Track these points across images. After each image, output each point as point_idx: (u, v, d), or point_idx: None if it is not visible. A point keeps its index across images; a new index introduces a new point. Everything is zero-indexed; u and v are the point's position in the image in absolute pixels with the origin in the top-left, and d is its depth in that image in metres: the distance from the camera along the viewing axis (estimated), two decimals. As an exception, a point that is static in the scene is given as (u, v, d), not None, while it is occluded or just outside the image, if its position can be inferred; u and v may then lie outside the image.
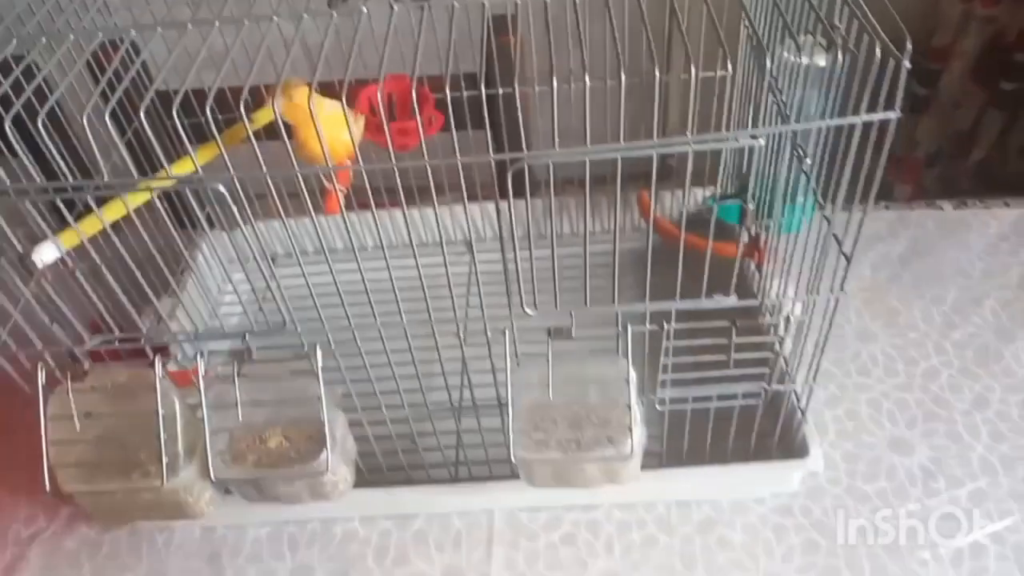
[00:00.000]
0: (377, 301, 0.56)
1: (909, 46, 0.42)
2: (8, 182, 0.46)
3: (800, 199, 0.59)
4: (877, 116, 0.43)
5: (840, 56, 0.45)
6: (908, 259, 0.92)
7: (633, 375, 0.55)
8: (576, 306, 0.54)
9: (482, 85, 0.59)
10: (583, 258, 0.52)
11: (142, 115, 0.43)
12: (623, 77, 0.42)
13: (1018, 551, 0.67)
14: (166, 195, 0.59)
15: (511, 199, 0.48)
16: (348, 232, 0.53)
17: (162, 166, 0.50)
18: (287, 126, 0.57)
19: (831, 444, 0.75)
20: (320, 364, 0.55)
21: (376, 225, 0.54)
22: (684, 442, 0.66)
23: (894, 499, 0.71)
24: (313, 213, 0.55)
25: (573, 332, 0.54)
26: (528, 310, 0.53)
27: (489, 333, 0.56)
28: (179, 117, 0.44)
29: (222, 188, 0.45)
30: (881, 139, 0.44)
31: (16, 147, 0.48)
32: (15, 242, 0.49)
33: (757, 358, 0.57)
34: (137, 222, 0.54)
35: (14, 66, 0.51)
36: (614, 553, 0.69)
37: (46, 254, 0.54)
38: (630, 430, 0.55)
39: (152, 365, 0.55)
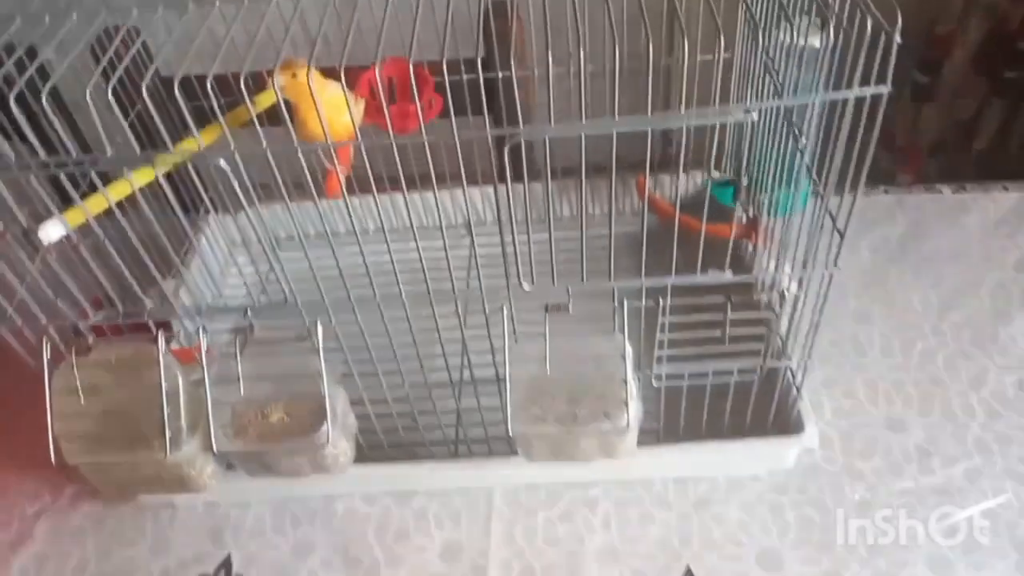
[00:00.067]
0: (379, 284, 0.57)
1: (900, 21, 0.42)
2: (13, 157, 0.47)
3: (797, 183, 0.60)
4: (869, 90, 0.44)
5: (833, 33, 0.46)
6: (906, 242, 0.93)
7: (629, 350, 0.56)
8: (573, 282, 0.55)
9: (479, 67, 0.59)
10: (580, 237, 0.53)
11: (144, 91, 0.43)
12: (617, 53, 0.43)
13: (1011, 528, 0.67)
14: (170, 177, 0.60)
15: (509, 180, 0.48)
16: (349, 212, 0.54)
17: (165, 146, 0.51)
18: (288, 105, 0.58)
19: (827, 423, 0.76)
20: (321, 340, 0.56)
21: (377, 206, 0.55)
22: (680, 419, 0.67)
23: (889, 477, 0.71)
24: (314, 192, 0.56)
25: (570, 308, 0.55)
26: (525, 286, 0.54)
27: (487, 309, 0.57)
28: (181, 95, 0.45)
29: (223, 163, 0.46)
30: (873, 114, 0.45)
31: (19, 125, 0.49)
32: (20, 218, 0.50)
33: (753, 334, 0.58)
34: (142, 202, 0.55)
35: (16, 45, 0.52)
36: (611, 529, 0.69)
37: (52, 232, 0.55)
38: (626, 404, 0.56)
39: (155, 340, 0.55)
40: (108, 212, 0.56)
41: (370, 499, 0.73)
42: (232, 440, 0.57)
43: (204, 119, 0.53)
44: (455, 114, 0.48)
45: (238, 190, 0.47)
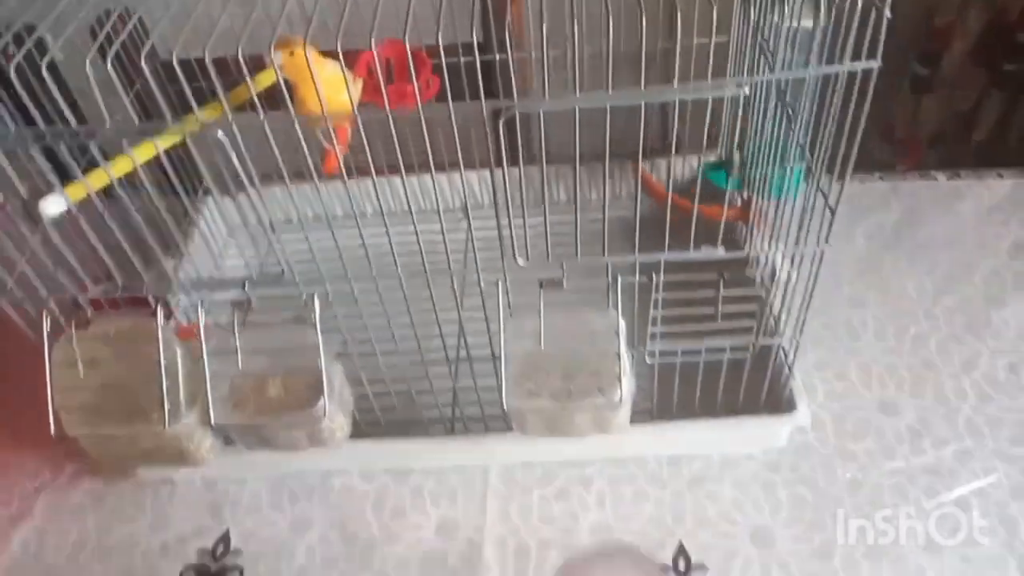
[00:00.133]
0: (376, 264, 0.58)
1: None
2: (12, 128, 0.48)
3: (792, 166, 0.60)
4: (860, 65, 0.44)
5: (825, 10, 0.46)
6: (901, 228, 0.93)
7: (623, 325, 0.56)
8: (567, 258, 0.56)
9: (476, 50, 0.59)
10: (574, 213, 0.54)
11: (143, 62, 0.44)
12: (611, 25, 0.43)
13: (1001, 507, 0.68)
14: (170, 158, 0.60)
15: (506, 163, 0.49)
16: (346, 187, 0.55)
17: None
18: (286, 85, 0.58)
19: (820, 405, 0.76)
20: (318, 313, 0.56)
21: (375, 186, 0.55)
22: (674, 397, 0.67)
23: (881, 458, 0.72)
24: (312, 168, 0.56)
25: (564, 283, 0.56)
26: (520, 261, 0.55)
27: (483, 283, 0.58)
28: (179, 68, 0.45)
29: (221, 135, 0.47)
30: (864, 90, 0.45)
31: (20, 98, 0.49)
32: (21, 190, 0.51)
33: (745, 311, 0.59)
34: (143, 177, 0.56)
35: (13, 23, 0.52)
36: (605, 507, 0.70)
37: (52, 206, 0.55)
38: (619, 379, 0.57)
39: (154, 314, 0.56)
40: (109, 189, 0.56)
41: (367, 476, 0.74)
42: (230, 413, 0.58)
43: (203, 101, 0.54)
44: (452, 98, 0.49)
45: (236, 163, 0.47)
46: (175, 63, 0.45)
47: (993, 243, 0.91)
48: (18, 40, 0.52)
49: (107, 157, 0.55)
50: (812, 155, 0.54)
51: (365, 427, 0.68)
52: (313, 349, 0.57)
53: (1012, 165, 1.01)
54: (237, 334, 0.57)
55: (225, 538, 0.70)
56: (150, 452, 0.60)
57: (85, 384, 0.57)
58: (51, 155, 0.55)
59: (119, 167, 0.55)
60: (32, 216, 0.50)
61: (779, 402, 0.68)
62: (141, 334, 0.57)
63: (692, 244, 0.55)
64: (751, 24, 0.66)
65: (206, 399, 0.58)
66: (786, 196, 0.61)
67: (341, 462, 0.74)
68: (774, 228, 0.60)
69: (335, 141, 0.65)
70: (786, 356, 0.66)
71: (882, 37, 0.43)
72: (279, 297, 0.59)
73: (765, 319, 0.62)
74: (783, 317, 0.63)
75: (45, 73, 0.44)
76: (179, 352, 0.58)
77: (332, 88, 0.58)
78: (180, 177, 0.69)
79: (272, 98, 0.55)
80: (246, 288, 0.56)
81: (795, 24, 0.53)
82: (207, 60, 0.47)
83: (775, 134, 0.59)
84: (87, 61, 0.45)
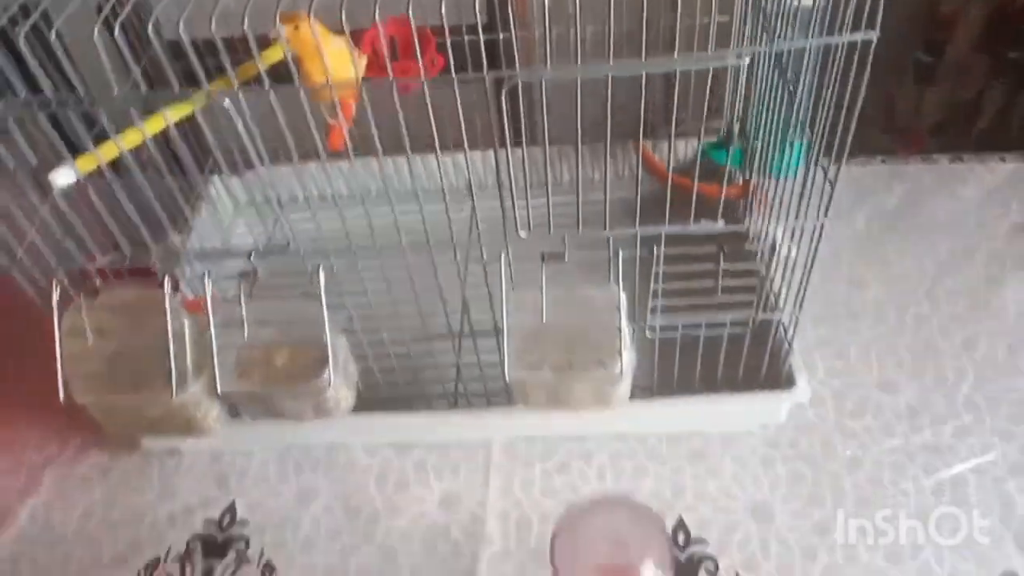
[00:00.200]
0: (382, 239, 0.59)
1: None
2: (23, 95, 0.48)
3: (793, 140, 0.61)
4: (859, 36, 0.45)
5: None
6: (902, 210, 0.94)
7: (623, 298, 0.57)
8: (569, 231, 0.56)
9: (479, 30, 0.60)
10: (576, 186, 0.54)
11: (150, 30, 0.45)
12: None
13: (998, 483, 0.69)
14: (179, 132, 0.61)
15: (509, 144, 0.50)
16: (351, 163, 0.55)
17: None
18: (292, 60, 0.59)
19: (820, 383, 0.77)
20: (323, 285, 0.57)
21: (380, 160, 0.56)
22: (674, 373, 0.68)
23: (880, 435, 0.73)
24: (318, 141, 0.57)
25: (566, 256, 0.56)
26: (522, 233, 0.55)
27: (485, 256, 0.58)
28: (185, 35, 0.46)
29: (228, 104, 0.47)
30: (863, 61, 0.46)
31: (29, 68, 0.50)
32: (30, 158, 0.51)
33: (745, 285, 0.59)
34: (154, 151, 0.57)
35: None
36: (606, 481, 0.71)
37: (62, 177, 0.56)
38: (620, 352, 0.57)
39: (161, 285, 0.57)
40: (117, 162, 0.57)
41: (371, 450, 0.75)
42: (236, 382, 0.58)
43: (209, 80, 0.54)
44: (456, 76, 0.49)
45: (243, 133, 0.48)
46: (181, 31, 0.45)
47: (994, 225, 0.91)
48: (24, 12, 0.53)
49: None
50: (812, 129, 0.54)
51: (369, 402, 0.69)
52: (318, 321, 0.58)
53: (1015, 149, 1.02)
54: (243, 305, 0.57)
55: (231, 509, 0.72)
56: (157, 421, 0.60)
57: (93, 353, 0.58)
58: (58, 127, 0.56)
59: (129, 139, 0.56)
60: (42, 185, 0.51)
61: (779, 378, 0.69)
62: (148, 305, 0.58)
63: (692, 216, 0.56)
64: (752, 3, 0.66)
65: (213, 369, 0.58)
66: (786, 174, 0.61)
67: (345, 436, 0.75)
68: (773, 203, 0.60)
69: (340, 116, 0.65)
70: (786, 332, 0.67)
71: (880, 8, 0.44)
72: (285, 272, 0.60)
73: (765, 294, 0.62)
74: (783, 292, 0.64)
75: (54, 39, 0.45)
76: (186, 323, 0.59)
77: (337, 62, 0.58)
78: (191, 149, 0.69)
79: (278, 76, 0.56)
80: (252, 258, 0.57)
81: (796, 3, 0.54)
82: (216, 35, 0.48)
83: (775, 110, 0.60)
84: (95, 30, 0.45)
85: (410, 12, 0.47)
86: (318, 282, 0.56)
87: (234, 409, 0.65)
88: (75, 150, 0.56)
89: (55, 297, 0.56)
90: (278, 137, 0.55)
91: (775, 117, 0.59)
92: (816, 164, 0.54)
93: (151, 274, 0.59)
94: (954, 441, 0.72)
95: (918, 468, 0.70)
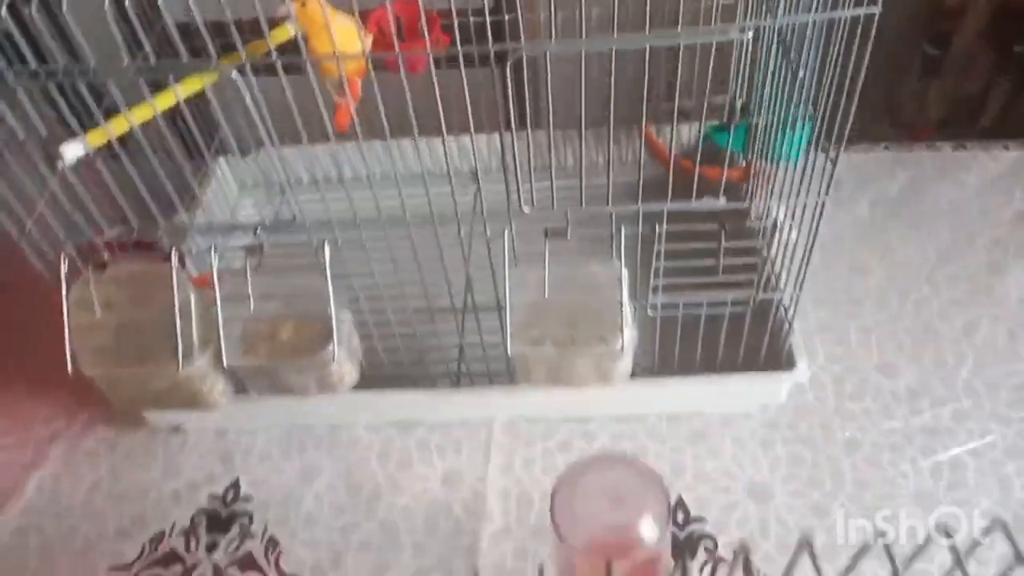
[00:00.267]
0: (387, 216, 0.59)
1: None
2: (33, 65, 0.49)
3: (793, 121, 0.61)
4: (862, 11, 0.45)
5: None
6: (905, 197, 0.94)
7: (625, 274, 0.58)
8: (572, 207, 0.57)
9: (485, 10, 0.60)
10: (579, 162, 0.55)
11: (161, 3, 0.45)
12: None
13: (996, 466, 0.69)
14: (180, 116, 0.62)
15: (515, 127, 0.50)
16: (359, 141, 0.56)
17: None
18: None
19: (820, 367, 0.77)
20: (328, 260, 0.58)
21: (388, 135, 0.57)
22: (675, 353, 0.68)
23: (879, 417, 0.73)
24: (326, 120, 0.57)
25: (569, 233, 0.57)
26: (526, 208, 0.56)
27: (489, 232, 0.59)
28: (200, 21, 0.46)
29: (235, 75, 0.48)
30: (866, 36, 0.46)
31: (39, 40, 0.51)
32: (41, 128, 0.52)
33: (746, 264, 0.60)
34: (162, 125, 0.57)
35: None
36: (607, 460, 0.71)
37: (72, 151, 0.57)
38: (621, 329, 0.58)
39: (168, 259, 0.58)
40: (126, 137, 0.58)
41: (373, 429, 0.76)
42: (242, 356, 0.59)
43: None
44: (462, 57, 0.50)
45: (250, 104, 0.48)
46: (195, 14, 0.46)
47: (996, 212, 0.91)
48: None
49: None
50: (815, 107, 0.54)
51: (372, 380, 0.70)
52: (323, 296, 0.59)
53: (1018, 137, 1.02)
54: (249, 279, 0.58)
55: (235, 485, 0.73)
56: (163, 394, 0.61)
57: (101, 325, 0.58)
58: (67, 102, 0.56)
59: (139, 114, 0.57)
60: (52, 157, 0.51)
61: (779, 359, 0.69)
62: (156, 278, 0.58)
63: (694, 194, 0.56)
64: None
65: (219, 343, 0.59)
66: (788, 159, 0.62)
67: (348, 415, 0.75)
68: (775, 182, 0.61)
69: (347, 93, 0.66)
70: (786, 312, 0.67)
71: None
72: (291, 246, 0.61)
73: (766, 273, 0.63)
74: (783, 272, 0.64)
75: (65, 9, 0.45)
76: (192, 297, 0.59)
77: (344, 39, 0.59)
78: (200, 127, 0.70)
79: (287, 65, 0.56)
80: (258, 232, 0.57)
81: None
82: (227, 13, 0.48)
83: (779, 89, 0.60)
84: (105, 3, 0.46)
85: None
86: (323, 256, 0.57)
87: (240, 385, 0.66)
88: (83, 125, 0.57)
89: (63, 270, 0.57)
90: (286, 116, 0.56)
91: (778, 97, 0.60)
92: (818, 142, 0.55)
93: (156, 248, 0.60)
94: (953, 424, 0.72)
95: (916, 450, 0.71)
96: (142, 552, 0.68)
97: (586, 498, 0.37)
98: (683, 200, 0.57)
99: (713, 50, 0.47)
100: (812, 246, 0.60)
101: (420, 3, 0.60)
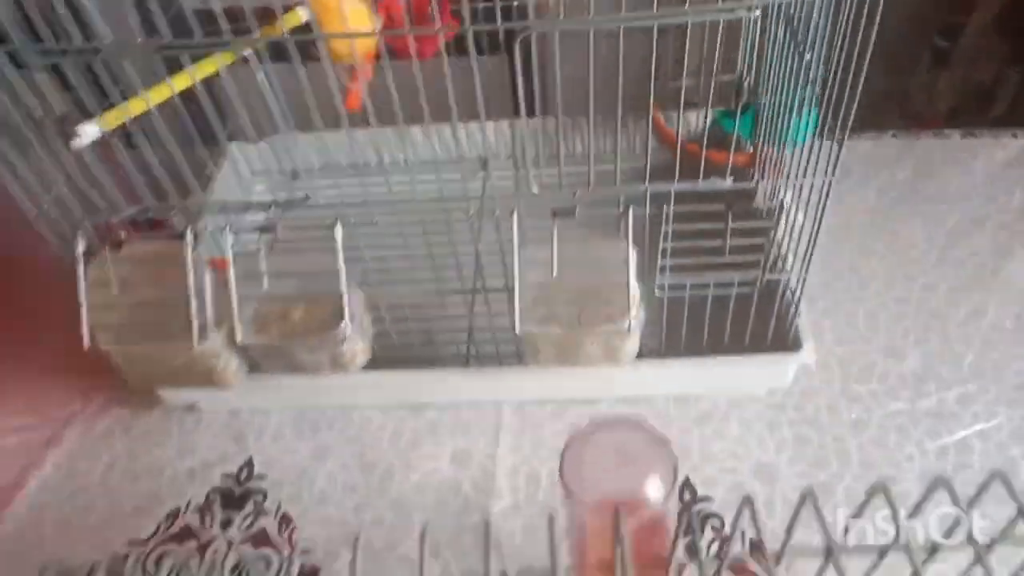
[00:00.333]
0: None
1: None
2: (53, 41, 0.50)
3: (800, 104, 0.61)
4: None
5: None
6: (913, 183, 0.95)
7: (633, 254, 0.58)
8: (581, 188, 0.57)
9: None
10: (588, 139, 0.56)
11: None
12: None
13: (1002, 449, 0.70)
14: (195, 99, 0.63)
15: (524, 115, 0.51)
16: (369, 115, 0.57)
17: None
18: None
19: (827, 350, 0.78)
20: (340, 238, 0.58)
21: (399, 116, 0.57)
22: (682, 334, 0.69)
23: (885, 399, 0.74)
24: (337, 99, 0.58)
25: (577, 212, 0.58)
26: (534, 188, 0.57)
27: (498, 212, 0.60)
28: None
29: (248, 53, 0.49)
30: (872, 16, 0.47)
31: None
32: (57, 107, 0.53)
33: (753, 244, 0.60)
34: (180, 106, 0.58)
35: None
36: (614, 440, 0.72)
37: (88, 132, 0.58)
38: (630, 307, 0.59)
39: (183, 237, 0.59)
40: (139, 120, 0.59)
41: (385, 411, 0.77)
42: (255, 334, 0.60)
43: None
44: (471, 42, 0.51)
45: (262, 82, 0.49)
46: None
47: (1004, 198, 0.91)
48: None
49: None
50: (822, 89, 0.55)
51: (383, 362, 0.71)
52: (335, 275, 0.60)
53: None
54: (263, 258, 0.59)
55: (249, 464, 0.74)
56: (178, 371, 0.62)
57: (118, 302, 0.60)
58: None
59: (156, 95, 0.58)
60: (68, 135, 0.52)
61: (785, 341, 0.70)
62: (171, 257, 0.59)
63: (701, 175, 0.57)
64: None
65: (233, 321, 0.60)
66: (796, 141, 0.62)
67: (360, 396, 0.76)
68: (781, 164, 0.61)
69: (357, 77, 0.67)
70: (793, 294, 0.68)
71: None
72: (304, 227, 0.62)
73: (772, 255, 0.63)
74: (790, 253, 0.65)
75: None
76: (207, 276, 0.60)
77: (355, 21, 0.60)
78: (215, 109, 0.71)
79: (299, 44, 0.57)
80: (271, 211, 0.58)
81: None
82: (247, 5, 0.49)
83: (786, 71, 0.60)
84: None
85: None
86: (336, 233, 0.58)
87: (254, 364, 0.67)
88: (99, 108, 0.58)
89: (80, 248, 0.58)
90: (297, 104, 0.57)
91: (785, 79, 0.60)
92: (824, 124, 0.55)
93: (168, 226, 0.61)
94: (959, 408, 0.73)
95: (922, 433, 0.71)
96: (158, 528, 0.69)
97: (595, 457, 0.38)
98: (690, 181, 0.58)
99: (721, 29, 0.48)
100: (819, 227, 0.60)
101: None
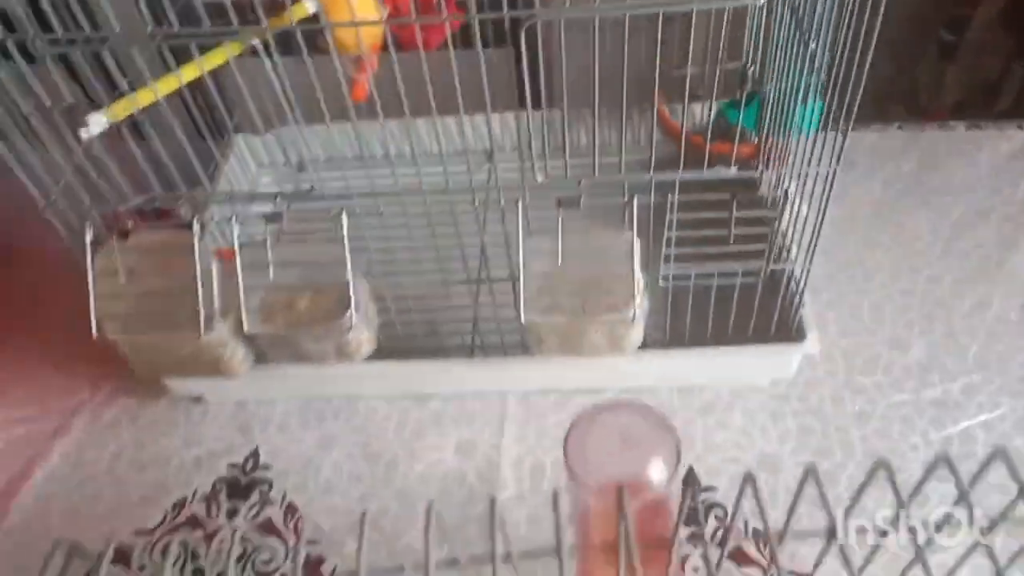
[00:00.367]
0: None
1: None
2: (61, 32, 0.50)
3: (805, 93, 0.61)
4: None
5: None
6: (918, 175, 0.94)
7: (638, 243, 0.58)
8: (585, 176, 0.58)
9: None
10: (593, 126, 0.56)
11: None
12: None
13: (1006, 439, 0.70)
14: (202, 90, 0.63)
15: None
16: (377, 103, 0.57)
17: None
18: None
19: (831, 342, 0.78)
20: (346, 228, 0.59)
21: (406, 107, 0.58)
22: (686, 325, 0.69)
23: (889, 391, 0.74)
24: (343, 83, 0.59)
25: (582, 202, 0.58)
26: (539, 176, 0.57)
27: (503, 202, 0.60)
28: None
29: (256, 42, 0.49)
30: (876, 5, 0.47)
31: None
32: (67, 95, 0.53)
33: (757, 234, 0.61)
34: (188, 97, 0.58)
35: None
36: (618, 431, 0.73)
37: (95, 124, 0.58)
38: (634, 297, 0.59)
39: (190, 227, 0.59)
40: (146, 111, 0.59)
41: (390, 401, 0.77)
42: (261, 324, 0.60)
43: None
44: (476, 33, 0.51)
45: (270, 70, 0.50)
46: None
47: (1010, 190, 0.91)
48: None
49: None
50: (827, 77, 0.55)
51: (389, 352, 0.71)
52: (341, 265, 0.60)
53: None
54: (269, 248, 0.59)
55: (255, 454, 0.74)
56: (185, 360, 0.63)
57: (125, 292, 0.60)
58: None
59: (164, 85, 0.58)
60: (77, 123, 0.52)
61: (789, 332, 0.70)
62: (178, 247, 0.60)
63: (706, 165, 0.57)
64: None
65: (239, 311, 0.60)
66: (801, 130, 0.62)
67: (365, 387, 0.77)
68: (786, 153, 0.61)
69: (363, 68, 0.67)
70: (797, 284, 0.68)
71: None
72: (309, 217, 0.62)
73: (777, 244, 0.63)
74: (794, 243, 0.65)
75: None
76: (214, 265, 0.61)
77: (362, 11, 0.60)
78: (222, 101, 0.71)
79: (306, 35, 0.58)
80: (277, 201, 0.59)
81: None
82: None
83: (790, 62, 0.60)
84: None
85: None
86: (341, 224, 0.58)
87: (261, 354, 0.67)
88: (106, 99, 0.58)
89: (88, 237, 0.58)
90: (303, 96, 0.57)
91: (790, 68, 0.60)
92: (829, 113, 0.55)
93: (174, 216, 0.61)
94: (963, 398, 0.73)
95: (927, 423, 0.71)
96: (164, 517, 0.70)
97: (599, 439, 0.38)
98: (695, 170, 0.58)
99: (727, 17, 0.48)
100: (823, 216, 0.60)
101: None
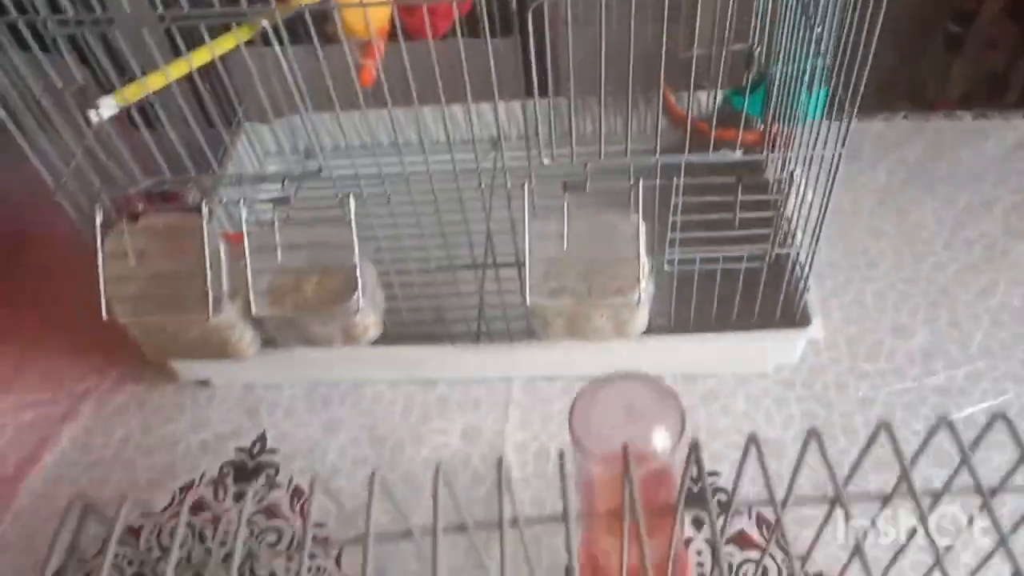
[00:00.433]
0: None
1: None
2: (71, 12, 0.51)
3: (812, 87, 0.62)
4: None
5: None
6: (924, 164, 0.95)
7: (643, 227, 0.59)
8: (591, 159, 0.58)
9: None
10: (599, 108, 0.56)
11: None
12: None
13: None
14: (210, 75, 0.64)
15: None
16: (387, 93, 0.57)
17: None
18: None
19: (836, 329, 0.78)
20: (353, 211, 0.59)
21: (414, 94, 0.58)
22: (691, 310, 0.70)
23: (892, 377, 0.74)
24: (352, 69, 0.59)
25: (587, 185, 0.58)
26: (546, 159, 0.57)
27: (509, 186, 0.60)
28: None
29: (265, 24, 0.49)
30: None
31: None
32: (78, 76, 0.54)
33: (762, 217, 0.61)
34: (199, 83, 0.59)
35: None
36: (623, 416, 0.73)
37: (105, 108, 0.59)
38: (639, 280, 0.59)
39: (198, 210, 0.59)
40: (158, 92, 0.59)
41: (396, 386, 0.78)
42: (269, 307, 0.61)
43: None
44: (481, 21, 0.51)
45: (279, 53, 0.50)
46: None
47: (1015, 179, 0.91)
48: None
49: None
50: (832, 62, 0.55)
51: (395, 337, 0.71)
52: (348, 248, 0.60)
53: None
54: (277, 230, 0.60)
55: (262, 438, 0.75)
56: (194, 343, 0.63)
57: (134, 274, 0.60)
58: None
59: (175, 70, 0.58)
60: (88, 106, 0.53)
61: (793, 317, 0.70)
62: (187, 230, 0.60)
63: (711, 148, 0.57)
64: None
65: (247, 293, 0.61)
66: (807, 116, 0.63)
67: (371, 372, 0.77)
68: (791, 137, 0.61)
69: (375, 41, 0.67)
70: (802, 269, 0.68)
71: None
72: (317, 201, 0.63)
73: (782, 229, 0.64)
74: (799, 228, 0.65)
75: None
76: (222, 248, 0.61)
77: (369, -2, 0.60)
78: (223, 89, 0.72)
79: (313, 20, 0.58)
80: (285, 184, 0.59)
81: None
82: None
83: (796, 47, 0.61)
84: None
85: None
86: (348, 207, 0.59)
87: (268, 338, 0.68)
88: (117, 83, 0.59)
89: (99, 219, 0.59)
90: (312, 84, 0.58)
91: (796, 53, 0.61)
92: (835, 97, 0.55)
93: (182, 199, 0.61)
94: (967, 384, 0.73)
95: (930, 409, 0.72)
96: (172, 500, 0.71)
97: (604, 409, 0.39)
98: (701, 153, 0.58)
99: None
100: (828, 200, 0.60)
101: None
